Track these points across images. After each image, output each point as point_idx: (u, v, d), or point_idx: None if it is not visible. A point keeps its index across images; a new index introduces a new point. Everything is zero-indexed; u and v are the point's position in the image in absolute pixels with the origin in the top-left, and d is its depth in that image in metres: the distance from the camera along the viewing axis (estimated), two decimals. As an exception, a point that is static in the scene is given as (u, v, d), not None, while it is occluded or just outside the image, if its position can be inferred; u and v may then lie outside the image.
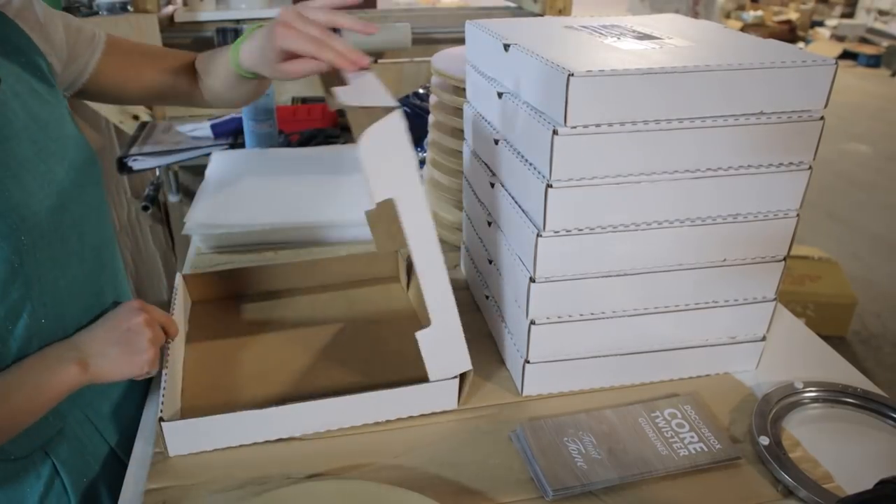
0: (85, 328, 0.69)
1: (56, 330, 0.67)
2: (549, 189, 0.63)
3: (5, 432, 0.62)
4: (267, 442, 0.67)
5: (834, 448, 0.68)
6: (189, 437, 0.65)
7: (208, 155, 1.28)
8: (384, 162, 0.60)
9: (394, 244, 0.90)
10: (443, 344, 0.69)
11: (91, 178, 0.73)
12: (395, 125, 0.59)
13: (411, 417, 0.71)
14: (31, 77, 0.69)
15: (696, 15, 6.92)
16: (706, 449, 0.66)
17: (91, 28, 0.80)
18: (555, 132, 0.61)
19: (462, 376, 0.71)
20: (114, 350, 0.66)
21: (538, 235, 0.65)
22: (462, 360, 0.70)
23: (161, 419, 0.63)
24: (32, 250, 0.63)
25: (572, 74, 0.59)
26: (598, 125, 0.62)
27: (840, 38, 6.82)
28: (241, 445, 0.67)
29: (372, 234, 0.91)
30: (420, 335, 0.67)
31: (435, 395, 0.70)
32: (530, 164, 0.67)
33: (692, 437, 0.68)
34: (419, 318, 0.82)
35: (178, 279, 0.87)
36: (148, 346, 0.66)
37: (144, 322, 0.67)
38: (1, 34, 0.67)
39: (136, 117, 1.63)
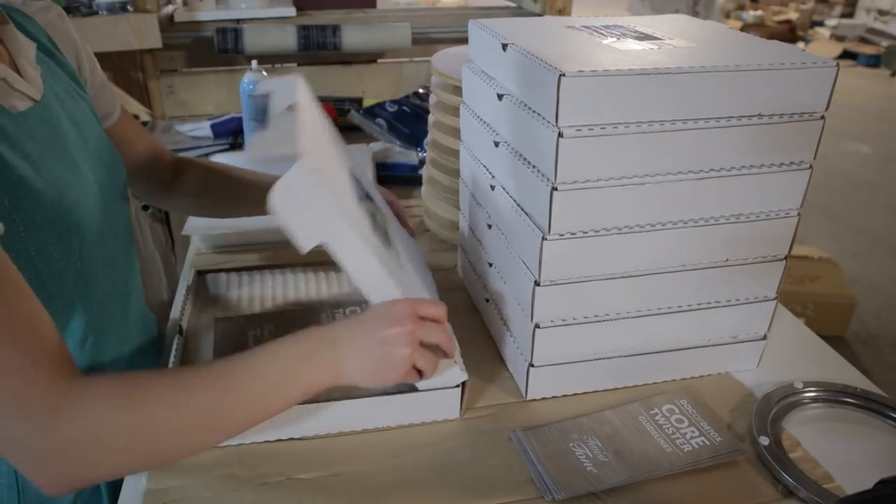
0: (342, 325, 0.61)
1: (102, 330, 0.68)
2: (555, 192, 0.63)
3: (236, 425, 0.57)
4: (266, 442, 0.67)
5: (834, 448, 0.68)
6: None
7: (208, 155, 1.28)
8: (302, 212, 0.57)
9: None
10: None
11: (118, 177, 0.73)
12: (301, 175, 0.56)
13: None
14: (64, 74, 0.69)
15: (695, 15, 6.91)
16: (708, 443, 0.66)
17: (113, 89, 0.81)
18: (560, 135, 0.61)
19: (462, 385, 0.69)
20: (369, 366, 0.59)
21: (543, 238, 0.65)
22: (456, 372, 0.68)
23: None
24: (89, 248, 0.64)
25: (563, 74, 0.59)
26: (602, 126, 0.61)
27: (840, 38, 6.82)
28: (239, 444, 0.67)
29: None
30: None
31: (436, 405, 0.70)
32: (533, 167, 0.66)
33: (692, 431, 0.68)
34: None
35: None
36: (401, 370, 0.60)
37: (407, 343, 0.59)
38: (30, 34, 0.67)
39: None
